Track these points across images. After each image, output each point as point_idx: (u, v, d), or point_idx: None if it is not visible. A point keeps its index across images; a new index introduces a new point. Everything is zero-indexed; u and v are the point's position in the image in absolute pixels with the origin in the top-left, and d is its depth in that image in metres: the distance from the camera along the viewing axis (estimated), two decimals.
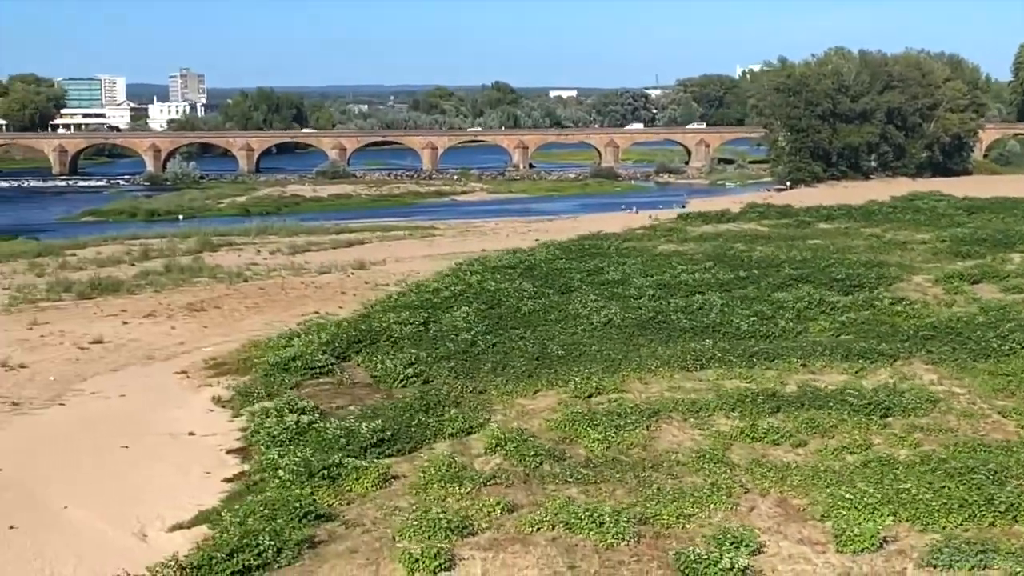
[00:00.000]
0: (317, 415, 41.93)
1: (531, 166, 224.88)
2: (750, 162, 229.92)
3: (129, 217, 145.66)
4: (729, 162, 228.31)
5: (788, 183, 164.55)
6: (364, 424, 38.69)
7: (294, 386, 48.31)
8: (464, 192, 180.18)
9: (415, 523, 29.85)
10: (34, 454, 41.44)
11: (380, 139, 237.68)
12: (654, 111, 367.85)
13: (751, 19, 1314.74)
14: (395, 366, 48.45)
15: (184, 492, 37.20)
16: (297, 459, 35.41)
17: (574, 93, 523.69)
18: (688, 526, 29.74)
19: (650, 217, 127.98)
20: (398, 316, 58.46)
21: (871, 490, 30.81)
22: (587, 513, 29.49)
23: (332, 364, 50.64)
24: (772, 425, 37.41)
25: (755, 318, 55.59)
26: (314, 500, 32.21)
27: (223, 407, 47.77)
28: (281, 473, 34.62)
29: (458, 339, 52.86)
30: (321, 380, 49.49)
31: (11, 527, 34.10)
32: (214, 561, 28.55)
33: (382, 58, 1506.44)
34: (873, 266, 71.40)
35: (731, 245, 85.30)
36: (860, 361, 46.68)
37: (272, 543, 29.06)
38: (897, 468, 33.26)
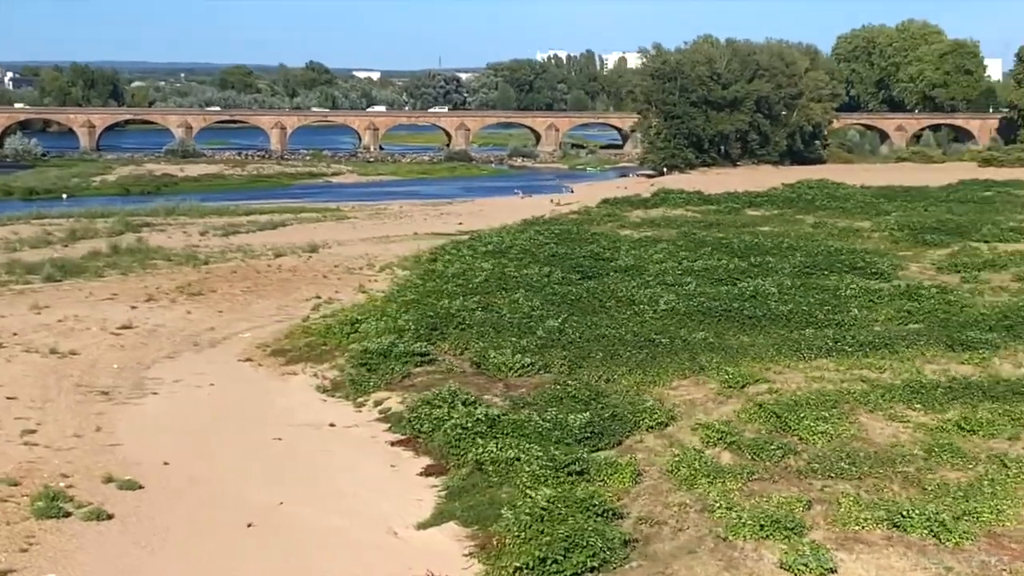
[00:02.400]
0: (484, 406, 40.38)
1: (380, 148, 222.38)
2: (600, 147, 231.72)
3: (4, 195, 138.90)
4: (580, 147, 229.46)
5: (664, 169, 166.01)
6: (572, 416, 37.52)
7: (405, 375, 46.84)
8: (336, 174, 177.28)
9: (738, 521, 29.09)
10: (190, 448, 39.52)
11: (228, 118, 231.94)
12: (465, 94, 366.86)
13: (545, 4, 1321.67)
14: (506, 355, 47.10)
15: (390, 487, 35.86)
16: (538, 453, 34.14)
17: (377, 75, 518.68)
18: (1011, 524, 29.39)
19: (552, 202, 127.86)
20: (453, 302, 57.16)
21: None
22: (915, 512, 29.00)
23: (431, 352, 49.13)
24: (986, 417, 37.30)
25: (821, 305, 55.68)
26: (596, 495, 30.97)
27: (334, 396, 46.39)
28: (530, 468, 33.27)
29: (543, 326, 51.79)
30: (426, 368, 48.16)
31: (249, 524, 32.46)
32: (549, 561, 27.37)
33: (167, 34, 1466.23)
34: (863, 253, 72.28)
35: (692, 231, 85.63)
36: (967, 351, 46.94)
37: (600, 543, 28.00)
38: None
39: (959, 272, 67.13)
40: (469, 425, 37.91)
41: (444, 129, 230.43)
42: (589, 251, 73.55)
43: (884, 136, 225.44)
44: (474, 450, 36.06)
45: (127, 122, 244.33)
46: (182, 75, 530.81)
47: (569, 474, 33.33)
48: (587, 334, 50.76)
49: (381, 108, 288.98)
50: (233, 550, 30.93)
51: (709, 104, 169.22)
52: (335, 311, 61.99)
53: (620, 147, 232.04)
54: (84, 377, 49.00)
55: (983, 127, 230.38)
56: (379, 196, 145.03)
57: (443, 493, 34.85)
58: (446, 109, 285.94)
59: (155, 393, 47.08)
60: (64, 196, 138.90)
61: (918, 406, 39.34)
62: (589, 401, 40.62)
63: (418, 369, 47.98)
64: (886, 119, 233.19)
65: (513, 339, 49.77)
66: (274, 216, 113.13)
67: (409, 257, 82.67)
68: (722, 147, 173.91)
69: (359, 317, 56.20)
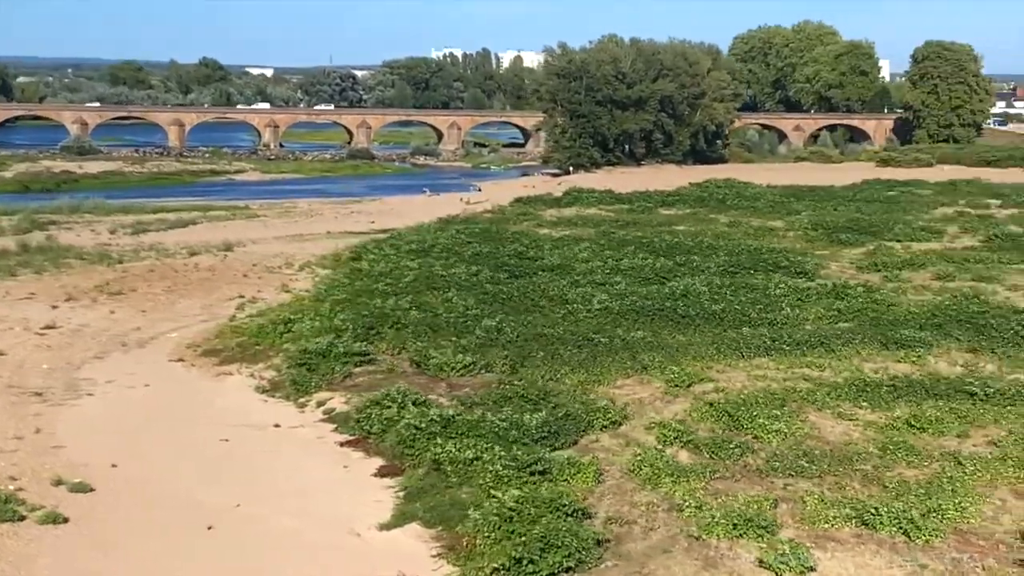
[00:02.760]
0: (436, 407, 40.21)
1: (281, 145, 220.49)
2: (503, 146, 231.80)
3: None
4: (482, 146, 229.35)
5: (571, 168, 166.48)
6: (528, 416, 37.43)
7: (346, 375, 46.58)
8: (239, 172, 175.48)
9: (711, 520, 29.21)
10: (135, 449, 39.02)
11: (125, 114, 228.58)
12: (361, 92, 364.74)
13: (439, 3, 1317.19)
14: (447, 355, 46.98)
15: (346, 488, 35.62)
16: (501, 453, 34.01)
17: (271, 72, 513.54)
18: (975, 521, 29.75)
19: (462, 200, 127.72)
20: (385, 301, 56.90)
21: None
22: (883, 509, 29.28)
23: (370, 351, 48.83)
24: (935, 415, 37.76)
25: (753, 304, 56.13)
26: (564, 495, 30.92)
27: (274, 397, 46.17)
28: (493, 468, 33.13)
29: (480, 325, 51.83)
30: (367, 368, 47.91)
31: (209, 527, 32.07)
32: (524, 561, 27.31)
33: (53, 27, 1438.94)
34: (784, 252, 72.96)
35: (611, 230, 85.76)
36: (902, 350, 47.55)
37: (575, 543, 27.98)
38: None
39: (879, 271, 67.86)
40: (423, 425, 37.71)
41: (345, 127, 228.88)
42: (512, 250, 73.36)
43: (782, 136, 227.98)
44: (432, 450, 35.85)
45: (16, 118, 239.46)
46: (69, 70, 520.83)
47: (532, 474, 33.25)
48: (525, 333, 50.76)
49: (282, 105, 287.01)
50: (195, 553, 30.54)
51: (614, 103, 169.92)
52: (261, 310, 61.53)
53: (522, 146, 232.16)
54: (14, 378, 48.15)
55: (879, 127, 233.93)
56: (285, 194, 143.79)
57: (401, 494, 34.64)
58: (343, 106, 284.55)
59: (90, 394, 46.43)
60: None
61: (865, 404, 39.77)
62: (538, 400, 40.54)
63: (358, 369, 47.69)
64: (784, 119, 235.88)
65: (452, 339, 49.73)
66: (182, 214, 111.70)
67: (328, 256, 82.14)
68: (627, 146, 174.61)
69: (291, 317, 55.72)
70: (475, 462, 34.43)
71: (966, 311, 54.31)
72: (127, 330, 58.41)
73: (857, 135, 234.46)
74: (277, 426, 42.20)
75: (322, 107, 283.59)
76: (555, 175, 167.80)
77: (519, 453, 34.12)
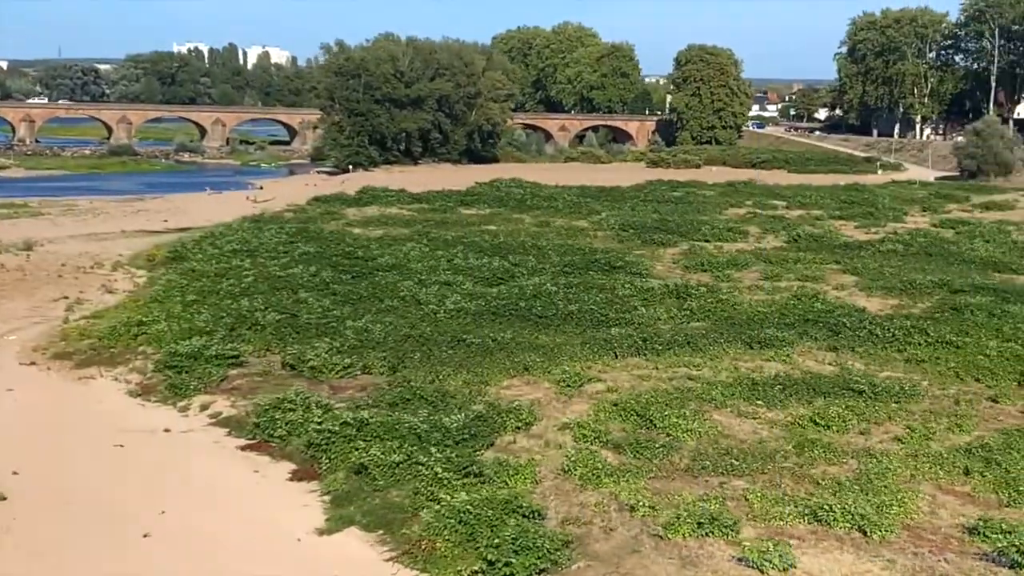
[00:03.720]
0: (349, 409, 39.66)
1: (37, 141, 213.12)
2: (270, 143, 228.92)
3: None
4: (249, 143, 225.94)
5: (350, 166, 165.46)
6: (447, 418, 37.22)
7: (223, 378, 45.61)
8: (1, 167, 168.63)
9: (675, 519, 29.62)
10: (30, 456, 37.55)
11: None
12: (104, 87, 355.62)
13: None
14: (322, 357, 46.44)
15: (266, 493, 35.07)
16: (436, 455, 33.80)
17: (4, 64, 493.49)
18: (918, 517, 30.77)
19: (249, 199, 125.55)
20: (239, 302, 55.95)
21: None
22: (836, 506, 30.07)
23: (240, 353, 47.87)
24: (836, 412, 38.93)
25: (608, 304, 56.84)
26: (518, 497, 31.00)
27: (149, 401, 45.04)
28: (435, 469, 32.92)
29: (347, 326, 51.51)
30: (242, 371, 46.99)
31: (145, 535, 31.11)
32: (500, 564, 27.41)
33: None
34: (610, 252, 74.06)
35: (426, 230, 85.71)
36: (766, 349, 48.87)
37: (546, 544, 28.15)
38: (994, 451, 35.65)
39: (706, 271, 69.42)
40: (336, 428, 37.06)
41: (104, 122, 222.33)
42: (340, 250, 72.86)
43: (548, 136, 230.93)
44: (354, 454, 35.32)
45: None
46: None
47: (466, 475, 33.11)
48: (393, 334, 50.57)
49: (21, 99, 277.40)
50: (141, 561, 29.65)
51: (392, 102, 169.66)
52: (96, 312, 59.99)
53: (288, 143, 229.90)
54: None
55: (641, 128, 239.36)
56: (56, 191, 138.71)
57: (327, 498, 34.11)
58: (85, 100, 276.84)
59: None
60: None
61: (760, 403, 40.76)
62: (436, 402, 40.45)
63: (233, 372, 46.60)
64: (549, 119, 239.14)
65: (324, 340, 49.06)
66: None
67: (139, 256, 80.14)
68: (404, 145, 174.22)
69: (142, 319, 54.01)
70: (402, 464, 34.09)
71: (812, 310, 56.08)
72: None
73: (620, 136, 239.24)
74: (167, 430, 41.13)
75: (77, 103, 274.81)
76: (332, 173, 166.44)
77: (451, 455, 33.89)
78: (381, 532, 31.27)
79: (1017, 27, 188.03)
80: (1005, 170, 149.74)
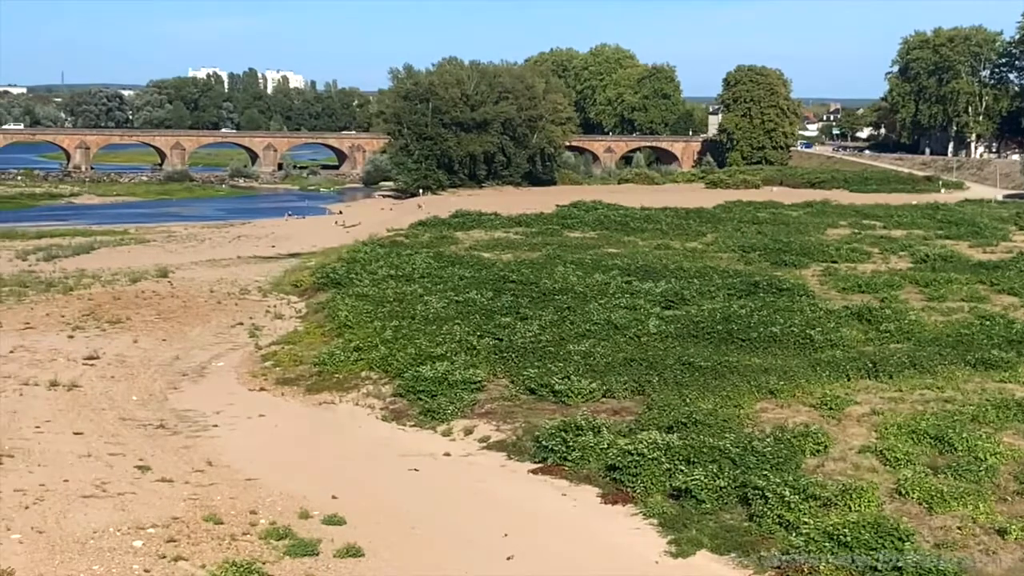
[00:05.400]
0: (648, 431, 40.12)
1: (92, 168, 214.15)
2: (321, 167, 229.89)
3: None
4: (302, 168, 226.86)
5: (421, 190, 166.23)
6: (756, 442, 37.77)
7: (473, 403, 46.19)
8: (74, 195, 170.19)
9: None
10: (338, 483, 38.16)
11: None
12: (129, 112, 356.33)
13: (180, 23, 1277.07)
14: (567, 382, 47.07)
15: (585, 516, 35.77)
16: (776, 481, 34.21)
17: (24, 90, 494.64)
18: None
19: (341, 226, 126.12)
20: (449, 328, 56.61)
21: None
22: None
23: (479, 378, 48.46)
24: None
25: (808, 326, 57.07)
26: (880, 520, 31.51)
27: (405, 426, 46.06)
28: (780, 492, 33.37)
29: (556, 352, 52.30)
30: (489, 396, 47.48)
31: (509, 557, 31.92)
32: None
33: None
34: (757, 275, 74.45)
35: (557, 252, 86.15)
36: (993, 370, 49.03)
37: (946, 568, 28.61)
38: None
39: (863, 292, 69.75)
40: (643, 451, 37.46)
41: (158, 148, 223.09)
42: (495, 275, 73.65)
43: (594, 157, 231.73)
44: (675, 476, 35.80)
45: None
46: None
47: (808, 498, 33.51)
48: (613, 359, 51.05)
49: (51, 125, 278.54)
50: None
51: (459, 125, 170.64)
52: (280, 338, 60.83)
53: (336, 167, 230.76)
54: (116, 411, 46.59)
55: (686, 149, 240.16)
56: (139, 218, 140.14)
57: (654, 521, 34.45)
58: (111, 126, 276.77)
59: (215, 426, 45.82)
60: None
61: None
62: (718, 425, 40.93)
63: (480, 396, 47.21)
64: (596, 141, 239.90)
65: (557, 364, 49.65)
66: (71, 239, 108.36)
67: (280, 282, 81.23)
68: (471, 168, 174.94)
69: (360, 344, 54.68)
70: (727, 488, 34.60)
71: (1012, 331, 56.39)
72: (168, 359, 57.07)
73: (664, 157, 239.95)
74: (447, 454, 41.64)
75: (130, 129, 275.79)
76: (396, 197, 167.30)
77: (792, 480, 34.34)
78: (734, 554, 31.63)
79: None
80: None
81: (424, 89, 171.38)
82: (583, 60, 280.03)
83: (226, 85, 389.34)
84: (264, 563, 29.83)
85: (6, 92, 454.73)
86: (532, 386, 47.88)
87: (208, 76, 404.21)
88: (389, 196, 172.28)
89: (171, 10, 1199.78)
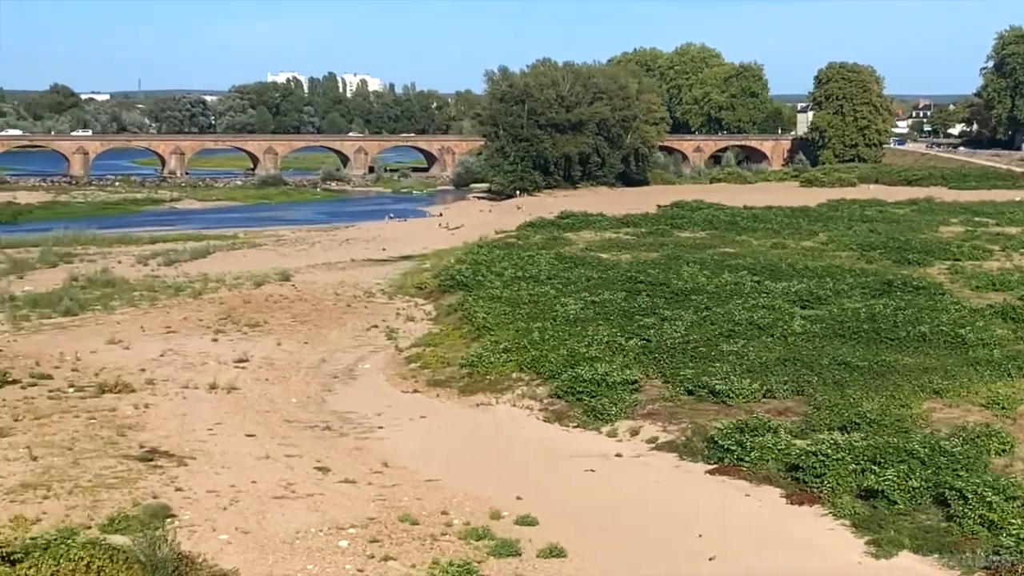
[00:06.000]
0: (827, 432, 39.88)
1: (187, 173, 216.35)
2: (412, 169, 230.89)
3: None
4: (393, 171, 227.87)
5: (517, 192, 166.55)
6: (944, 442, 37.44)
7: (634, 404, 46.15)
8: (175, 200, 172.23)
9: None
10: (517, 485, 38.11)
11: (28, 143, 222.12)
12: (212, 118, 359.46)
13: (260, 24, 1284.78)
14: (729, 382, 46.83)
15: (774, 516, 35.49)
16: (976, 480, 33.83)
17: (107, 97, 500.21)
18: None
19: (445, 227, 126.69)
20: (594, 329, 56.67)
21: None
22: None
23: (637, 379, 48.40)
24: None
25: (957, 326, 56.44)
26: None
27: (568, 427, 46.04)
28: (982, 493, 32.95)
29: (707, 352, 52.25)
30: (648, 397, 47.41)
31: (711, 559, 32.01)
32: None
33: None
34: (891, 273, 73.68)
35: (677, 253, 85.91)
36: None
37: None
38: None
39: (998, 291, 68.90)
40: (828, 452, 37.24)
41: (250, 153, 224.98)
42: (621, 275, 73.74)
43: (684, 157, 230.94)
44: (866, 477, 35.53)
45: None
46: None
47: (1009, 499, 33.12)
48: (766, 358, 50.77)
49: (136, 131, 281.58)
50: None
51: (554, 127, 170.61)
52: (420, 339, 61.11)
53: (426, 170, 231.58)
54: (279, 413, 47.16)
55: (776, 148, 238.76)
56: (243, 222, 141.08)
57: (846, 522, 34.26)
58: (194, 131, 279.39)
59: (380, 427, 45.98)
60: None
61: None
62: (890, 425, 40.70)
63: (639, 397, 47.15)
64: (685, 141, 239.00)
65: (715, 365, 49.49)
66: (186, 244, 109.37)
67: (403, 285, 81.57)
68: (566, 169, 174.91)
69: (508, 345, 54.86)
70: (920, 489, 34.34)
71: None
72: (315, 362, 57.59)
73: (753, 156, 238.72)
74: (619, 455, 41.66)
75: (220, 134, 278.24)
76: (491, 199, 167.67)
77: (991, 480, 34.01)
78: (937, 555, 31.32)
79: None
80: None
81: (520, 91, 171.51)
82: (668, 59, 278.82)
83: (306, 89, 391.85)
84: (478, 563, 29.96)
85: (91, 99, 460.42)
86: (689, 387, 47.66)
87: (288, 80, 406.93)
88: (483, 198, 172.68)
89: (248, 13, 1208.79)
